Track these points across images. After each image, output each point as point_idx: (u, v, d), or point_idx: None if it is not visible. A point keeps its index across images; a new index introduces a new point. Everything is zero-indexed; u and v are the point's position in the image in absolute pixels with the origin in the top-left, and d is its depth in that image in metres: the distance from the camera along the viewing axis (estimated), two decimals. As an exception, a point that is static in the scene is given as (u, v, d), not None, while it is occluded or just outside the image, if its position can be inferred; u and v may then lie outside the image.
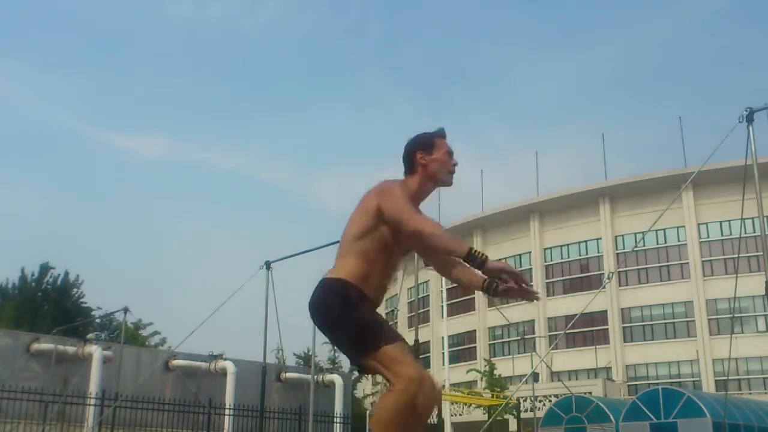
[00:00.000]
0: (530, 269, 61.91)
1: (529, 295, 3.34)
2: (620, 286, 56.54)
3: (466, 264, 3.18)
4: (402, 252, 3.49)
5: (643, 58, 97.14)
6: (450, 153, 3.53)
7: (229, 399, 23.06)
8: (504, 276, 3.22)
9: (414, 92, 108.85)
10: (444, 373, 43.78)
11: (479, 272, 3.28)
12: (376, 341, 3.11)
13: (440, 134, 3.56)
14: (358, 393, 53.95)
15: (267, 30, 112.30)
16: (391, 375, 3.07)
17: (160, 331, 50.03)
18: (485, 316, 61.97)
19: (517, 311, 56.11)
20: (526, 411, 41.80)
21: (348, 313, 3.18)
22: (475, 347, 62.77)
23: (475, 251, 3.13)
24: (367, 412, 43.20)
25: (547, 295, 59.17)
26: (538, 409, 39.21)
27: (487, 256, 3.16)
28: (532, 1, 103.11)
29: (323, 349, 64.37)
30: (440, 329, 55.58)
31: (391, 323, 3.49)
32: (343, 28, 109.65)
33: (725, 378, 43.40)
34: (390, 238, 3.32)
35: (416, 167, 3.46)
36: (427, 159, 3.45)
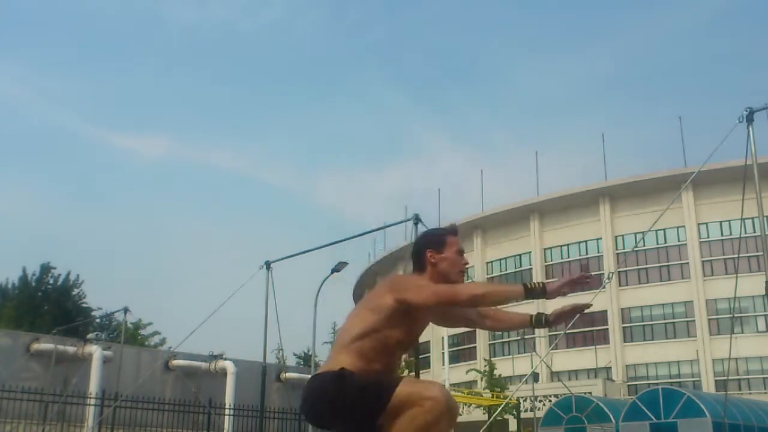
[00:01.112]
0: (530, 269, 61.94)
1: (581, 308, 3.33)
2: (620, 286, 56.53)
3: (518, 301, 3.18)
4: (412, 345, 3.43)
5: (643, 58, 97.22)
6: (461, 252, 3.43)
7: (229, 399, 23.06)
8: (566, 290, 3.12)
9: (415, 92, 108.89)
10: (444, 373, 43.81)
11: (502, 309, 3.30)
12: (388, 390, 2.98)
13: (451, 232, 3.48)
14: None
15: (268, 31, 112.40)
16: (418, 403, 2.95)
17: (160, 331, 50.07)
18: (485, 316, 61.89)
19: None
20: (526, 411, 41.77)
21: (346, 387, 3.03)
22: (475, 347, 62.74)
23: (531, 285, 3.09)
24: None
25: (547, 295, 58.99)
26: (538, 409, 39.20)
27: (543, 283, 3.11)
28: (532, 1, 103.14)
29: (323, 349, 64.47)
30: (440, 329, 55.54)
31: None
32: (344, 28, 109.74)
33: (725, 378, 43.35)
34: (399, 336, 3.21)
35: (426, 265, 3.37)
36: (437, 258, 3.36)
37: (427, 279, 3.33)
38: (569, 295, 3.19)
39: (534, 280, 3.15)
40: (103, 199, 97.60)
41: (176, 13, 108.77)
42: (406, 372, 28.67)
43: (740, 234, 35.57)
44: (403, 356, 3.47)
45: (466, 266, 3.46)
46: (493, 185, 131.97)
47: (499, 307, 3.48)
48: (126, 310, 19.24)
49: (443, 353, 52.42)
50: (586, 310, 3.37)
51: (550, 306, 3.29)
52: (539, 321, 3.37)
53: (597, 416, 30.54)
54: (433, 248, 3.39)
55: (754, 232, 11.92)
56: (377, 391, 3.01)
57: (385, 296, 3.19)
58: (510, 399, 33.83)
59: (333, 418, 3.12)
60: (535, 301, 3.50)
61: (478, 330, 70.03)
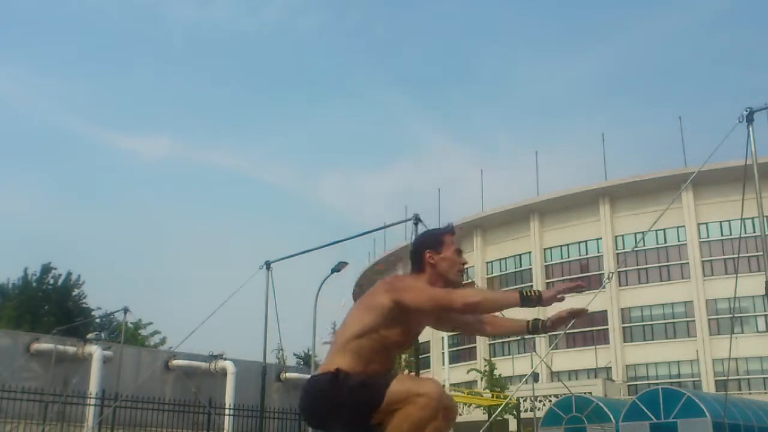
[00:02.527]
0: (530, 269, 61.94)
1: (579, 313, 3.35)
2: (620, 286, 56.52)
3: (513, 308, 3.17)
4: (408, 345, 3.43)
5: (644, 58, 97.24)
6: (459, 252, 3.45)
7: (229, 399, 23.07)
8: (561, 297, 3.16)
9: (415, 93, 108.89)
10: (444, 373, 43.82)
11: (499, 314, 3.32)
12: (382, 387, 3.02)
13: (449, 231, 3.49)
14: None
15: (268, 31, 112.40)
16: (411, 400, 2.98)
17: (160, 331, 50.06)
18: (485, 316, 61.91)
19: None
20: (526, 411, 41.77)
21: (341, 386, 3.06)
22: (475, 347, 62.74)
23: (526, 293, 3.11)
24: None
25: (547, 295, 59.02)
26: (538, 409, 39.21)
27: (539, 291, 3.14)
28: (533, 2, 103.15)
29: (323, 349, 64.44)
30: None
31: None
32: (345, 29, 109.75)
33: (725, 378, 43.38)
34: (396, 336, 3.23)
35: (425, 266, 3.38)
36: (435, 258, 3.37)
37: (426, 280, 3.34)
38: (569, 294, 3.19)
39: (532, 288, 3.15)
40: (103, 199, 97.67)
41: (177, 13, 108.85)
42: (406, 371, 28.70)
43: (740, 234, 35.58)
44: (403, 356, 3.49)
45: (465, 266, 3.47)
46: (493, 185, 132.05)
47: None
48: (126, 310, 19.24)
49: (443, 353, 52.45)
50: (584, 314, 3.38)
51: (549, 310, 3.30)
52: (536, 327, 3.39)
53: (597, 416, 30.54)
54: (431, 249, 3.39)
55: (754, 232, 11.91)
56: (371, 390, 3.02)
57: (383, 296, 3.20)
58: (510, 399, 33.82)
59: (330, 419, 3.14)
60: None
61: (477, 330, 70.21)
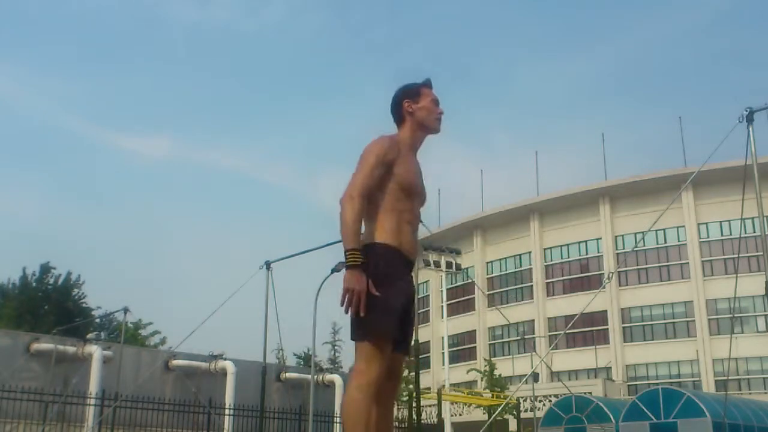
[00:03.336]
0: (530, 269, 61.92)
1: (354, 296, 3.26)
2: (620, 286, 56.52)
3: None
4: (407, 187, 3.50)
5: (644, 58, 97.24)
6: (436, 101, 3.61)
7: (229, 399, 23.04)
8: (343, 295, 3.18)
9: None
10: (444, 373, 43.77)
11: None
12: (366, 331, 3.15)
13: (426, 84, 3.64)
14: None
15: (269, 31, 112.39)
16: (356, 367, 3.19)
17: (160, 331, 50.04)
18: (485, 316, 61.96)
19: (517, 311, 56.12)
20: (526, 411, 41.78)
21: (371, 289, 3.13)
22: (475, 347, 62.75)
23: (350, 252, 3.11)
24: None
25: (547, 295, 59.17)
26: (538, 409, 39.21)
27: (354, 264, 3.11)
28: (533, 2, 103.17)
29: (323, 349, 64.48)
30: (440, 329, 55.56)
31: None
32: (345, 29, 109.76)
33: (725, 378, 43.37)
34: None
35: (405, 116, 3.56)
36: (413, 107, 3.55)
37: (408, 128, 3.53)
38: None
39: (358, 259, 3.13)
40: (103, 199, 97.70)
41: (177, 13, 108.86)
42: (405, 372, 28.67)
43: (740, 234, 35.57)
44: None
45: (441, 115, 3.62)
46: (493, 185, 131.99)
47: None
48: (126, 310, 19.25)
49: (443, 353, 52.40)
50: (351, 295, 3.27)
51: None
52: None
53: (597, 416, 30.54)
54: (409, 99, 3.56)
55: (754, 232, 11.92)
56: (368, 319, 3.11)
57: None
58: (510, 399, 33.82)
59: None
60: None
61: (478, 330, 69.99)
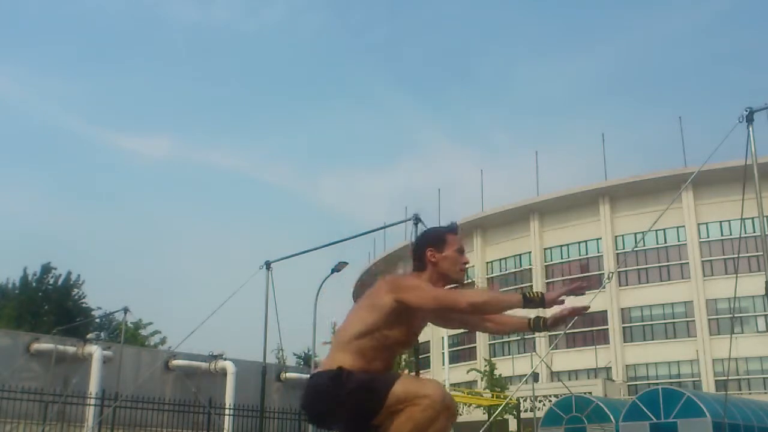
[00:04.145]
0: (530, 269, 61.92)
1: (580, 311, 3.30)
2: (620, 286, 56.52)
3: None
4: (410, 345, 3.45)
5: (644, 58, 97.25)
6: (461, 250, 3.41)
7: (229, 399, 23.06)
8: (562, 299, 3.15)
9: (415, 93, 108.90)
10: (444, 373, 43.80)
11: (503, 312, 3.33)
12: (384, 388, 3.02)
13: (451, 230, 3.46)
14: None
15: (269, 31, 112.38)
16: (416, 400, 2.99)
17: (160, 331, 50.02)
18: (485, 316, 61.92)
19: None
20: (526, 411, 41.76)
21: (343, 385, 3.06)
22: (475, 347, 62.74)
23: (529, 294, 3.11)
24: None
25: (547, 295, 59.03)
26: (538, 409, 39.19)
27: (541, 293, 3.14)
28: (533, 2, 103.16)
29: (323, 349, 64.39)
30: (440, 329, 55.52)
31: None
32: (346, 30, 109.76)
33: (725, 378, 43.35)
34: (398, 335, 3.22)
35: (427, 264, 3.36)
36: (437, 257, 3.35)
37: (427, 278, 3.32)
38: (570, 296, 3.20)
39: (533, 289, 3.18)
40: (103, 199, 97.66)
41: (177, 13, 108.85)
42: (406, 371, 28.65)
43: (740, 234, 35.54)
44: (403, 356, 3.51)
45: (467, 265, 3.45)
46: (493, 185, 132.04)
47: None
48: (126, 310, 19.23)
49: (443, 353, 52.37)
50: (585, 312, 3.35)
51: (551, 311, 3.31)
52: (538, 324, 3.38)
53: (597, 416, 30.54)
54: (433, 247, 3.37)
55: (754, 232, 11.91)
56: (374, 390, 3.02)
57: (385, 296, 3.19)
58: (510, 399, 33.80)
59: (332, 417, 3.15)
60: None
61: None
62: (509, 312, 3.34)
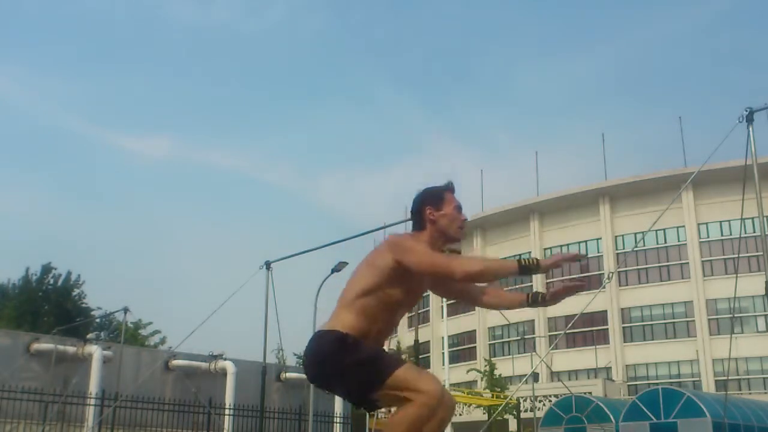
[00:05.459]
0: (530, 269, 61.92)
1: (579, 286, 3.34)
2: (620, 286, 56.54)
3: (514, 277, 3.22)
4: (412, 305, 3.47)
5: (644, 58, 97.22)
6: (459, 208, 3.45)
7: (229, 399, 23.06)
8: (562, 264, 3.20)
9: (416, 93, 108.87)
10: (444, 373, 43.73)
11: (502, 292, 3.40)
12: (387, 369, 3.05)
13: (449, 188, 3.50)
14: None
15: (269, 32, 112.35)
16: (412, 394, 3.01)
17: (160, 331, 50.01)
18: (485, 316, 61.95)
19: (516, 311, 55.84)
20: (526, 411, 41.77)
21: (348, 354, 3.09)
22: (475, 347, 62.75)
23: (525, 261, 3.14)
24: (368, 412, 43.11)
25: (547, 295, 59.08)
26: (538, 409, 39.20)
27: (537, 259, 3.18)
28: (533, 2, 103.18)
29: (323, 349, 64.33)
30: (440, 329, 55.59)
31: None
32: (346, 30, 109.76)
33: (725, 378, 43.36)
34: (400, 295, 3.26)
35: (425, 223, 3.40)
36: (436, 214, 3.39)
37: (428, 237, 3.36)
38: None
39: (530, 256, 3.21)
40: (103, 199, 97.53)
41: (178, 13, 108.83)
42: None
43: (740, 234, 35.53)
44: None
45: (465, 221, 3.48)
46: (493, 185, 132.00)
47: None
48: (126, 310, 19.23)
49: (443, 353, 52.36)
50: (580, 259, 3.36)
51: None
52: (536, 299, 3.42)
53: (597, 416, 30.54)
54: (431, 205, 3.41)
55: (754, 232, 11.90)
56: (378, 368, 3.07)
57: (386, 255, 3.24)
58: (510, 399, 33.83)
59: (332, 382, 3.22)
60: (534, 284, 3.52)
61: (478, 330, 69.96)
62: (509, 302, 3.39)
